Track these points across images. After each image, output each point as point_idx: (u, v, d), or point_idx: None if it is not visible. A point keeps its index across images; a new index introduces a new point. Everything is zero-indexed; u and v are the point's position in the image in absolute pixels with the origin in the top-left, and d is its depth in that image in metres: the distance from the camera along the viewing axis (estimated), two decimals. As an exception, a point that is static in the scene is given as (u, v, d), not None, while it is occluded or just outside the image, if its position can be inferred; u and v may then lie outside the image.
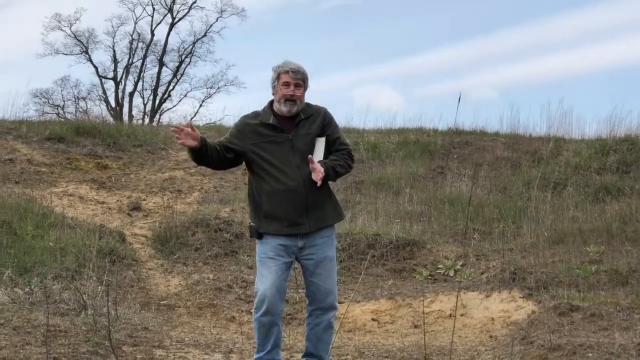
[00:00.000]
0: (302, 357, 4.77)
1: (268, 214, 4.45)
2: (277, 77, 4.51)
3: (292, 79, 4.46)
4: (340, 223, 5.28)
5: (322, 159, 4.48)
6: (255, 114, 4.59)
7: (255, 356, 4.61)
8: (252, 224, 4.57)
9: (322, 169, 4.39)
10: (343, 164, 4.55)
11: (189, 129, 4.38)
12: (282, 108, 4.48)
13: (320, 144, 4.50)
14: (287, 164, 4.43)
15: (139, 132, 13.74)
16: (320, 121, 4.57)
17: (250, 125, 4.53)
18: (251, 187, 4.58)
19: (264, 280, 4.47)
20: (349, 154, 4.64)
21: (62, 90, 37.35)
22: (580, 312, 6.10)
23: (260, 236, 4.50)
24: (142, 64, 37.97)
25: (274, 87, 4.54)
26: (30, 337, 5.18)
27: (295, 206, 4.43)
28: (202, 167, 11.74)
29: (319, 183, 4.39)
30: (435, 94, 52.40)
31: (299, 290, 7.13)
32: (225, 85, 37.85)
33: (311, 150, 4.48)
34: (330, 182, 4.60)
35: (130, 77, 37.78)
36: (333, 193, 4.68)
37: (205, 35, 38.02)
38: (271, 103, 4.59)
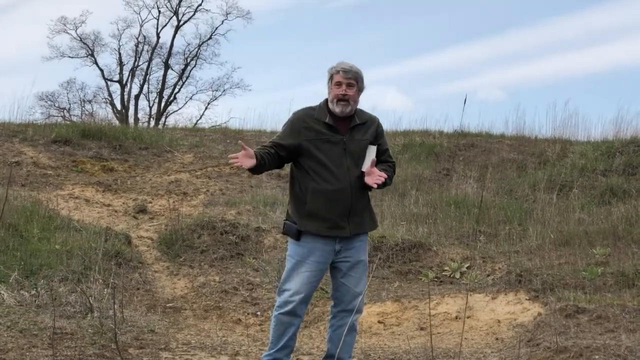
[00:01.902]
0: (324, 359, 4.77)
1: (311, 212, 4.42)
2: (330, 77, 4.52)
3: (344, 79, 4.44)
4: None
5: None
6: (310, 110, 4.55)
7: (265, 353, 4.62)
8: (289, 222, 4.51)
9: (383, 175, 4.41)
10: (391, 176, 4.61)
11: (243, 152, 4.29)
12: (335, 108, 4.47)
13: (372, 152, 4.50)
14: (338, 165, 4.42)
15: (145, 134, 13.77)
16: (374, 129, 4.59)
17: (305, 121, 4.49)
18: (295, 183, 4.54)
19: (293, 283, 4.48)
20: (394, 168, 4.70)
21: (67, 93, 37.56)
22: (587, 314, 6.08)
23: (298, 237, 4.47)
24: (148, 66, 38.16)
25: (329, 88, 4.54)
26: (36, 340, 5.19)
27: (340, 208, 4.42)
28: (208, 170, 11.89)
29: (374, 187, 4.41)
30: (441, 94, 52.49)
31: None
32: (230, 88, 38.03)
33: (363, 155, 4.47)
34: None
35: (135, 79, 37.97)
36: (370, 202, 4.70)
37: (210, 37, 38.20)
38: (326, 101, 4.57)
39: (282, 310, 4.49)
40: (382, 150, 4.60)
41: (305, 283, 4.47)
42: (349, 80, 4.45)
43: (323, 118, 4.48)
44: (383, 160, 4.61)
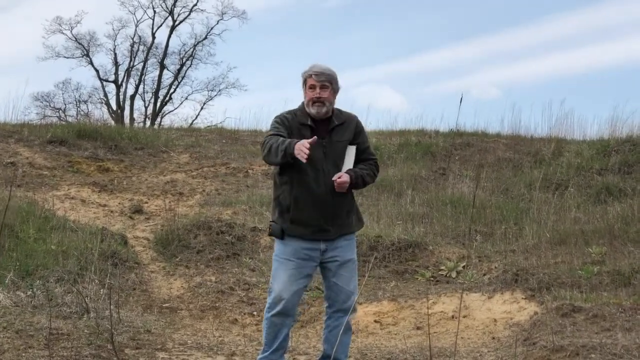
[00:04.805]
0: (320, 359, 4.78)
1: (295, 218, 4.47)
2: (304, 81, 4.57)
3: (317, 81, 4.50)
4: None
5: (351, 167, 4.52)
6: (291, 114, 4.59)
7: (260, 356, 4.62)
8: (275, 222, 4.57)
9: (347, 179, 4.42)
10: (371, 174, 4.64)
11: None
12: (311, 110, 4.51)
13: (351, 152, 4.54)
14: (319, 169, 4.45)
15: (141, 135, 13.75)
16: (352, 128, 4.62)
17: (291, 123, 4.53)
18: (277, 189, 4.58)
19: (280, 282, 4.51)
20: (376, 164, 4.73)
21: (63, 94, 37.49)
22: (583, 313, 6.09)
23: (282, 236, 4.51)
24: (143, 66, 38.09)
25: (304, 92, 4.59)
26: (32, 341, 5.18)
27: (323, 213, 4.46)
28: (204, 170, 11.88)
29: (341, 190, 4.43)
30: (437, 93, 52.49)
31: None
32: (226, 88, 37.97)
33: (342, 157, 4.51)
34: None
35: (131, 80, 37.91)
36: (355, 201, 4.73)
37: (206, 37, 38.15)
38: (303, 104, 4.62)
39: (273, 312, 4.51)
40: (362, 148, 4.64)
41: (292, 282, 4.49)
42: (322, 83, 4.51)
43: (305, 121, 4.53)
44: (364, 158, 4.64)
